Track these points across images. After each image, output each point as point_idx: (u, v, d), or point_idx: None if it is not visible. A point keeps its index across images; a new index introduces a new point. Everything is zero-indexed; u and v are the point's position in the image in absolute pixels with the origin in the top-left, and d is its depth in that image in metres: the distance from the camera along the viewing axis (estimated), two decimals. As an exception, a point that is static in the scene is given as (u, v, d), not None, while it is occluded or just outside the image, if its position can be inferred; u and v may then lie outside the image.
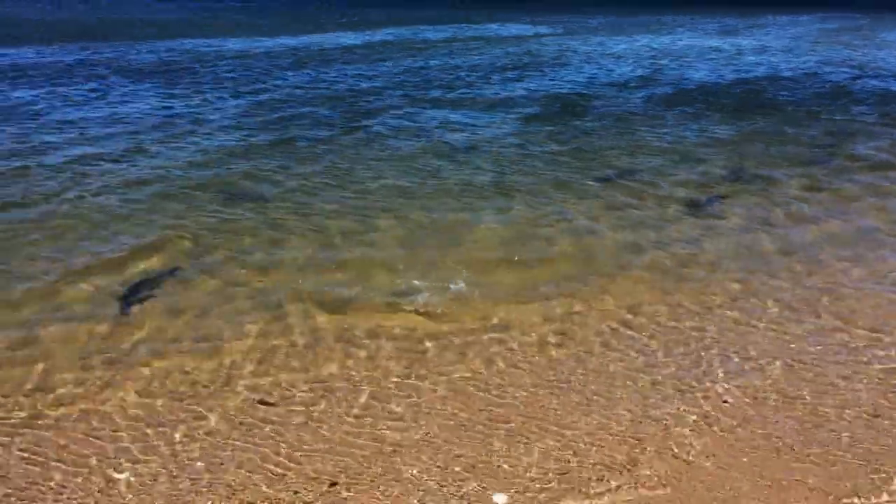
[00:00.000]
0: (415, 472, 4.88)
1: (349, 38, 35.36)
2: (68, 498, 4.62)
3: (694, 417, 5.49)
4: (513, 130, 14.90)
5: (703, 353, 6.36)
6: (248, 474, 4.84)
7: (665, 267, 8.17)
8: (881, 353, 6.42)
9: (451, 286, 7.45)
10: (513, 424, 5.37)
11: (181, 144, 13.31)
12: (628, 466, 4.93)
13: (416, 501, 4.63)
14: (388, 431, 5.30)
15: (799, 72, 24.71)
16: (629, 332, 6.73)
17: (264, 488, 4.72)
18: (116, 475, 4.82)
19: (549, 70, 24.61)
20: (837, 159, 12.64)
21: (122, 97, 18.11)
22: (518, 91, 20.11)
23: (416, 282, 7.59)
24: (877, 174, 11.76)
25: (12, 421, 5.36)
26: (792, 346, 6.52)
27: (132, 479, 4.79)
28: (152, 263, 8.08)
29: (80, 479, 4.78)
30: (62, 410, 5.49)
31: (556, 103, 18.20)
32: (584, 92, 19.96)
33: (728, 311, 7.15)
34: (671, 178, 11.45)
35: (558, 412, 5.52)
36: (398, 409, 5.56)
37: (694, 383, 5.93)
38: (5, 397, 5.65)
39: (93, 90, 19.09)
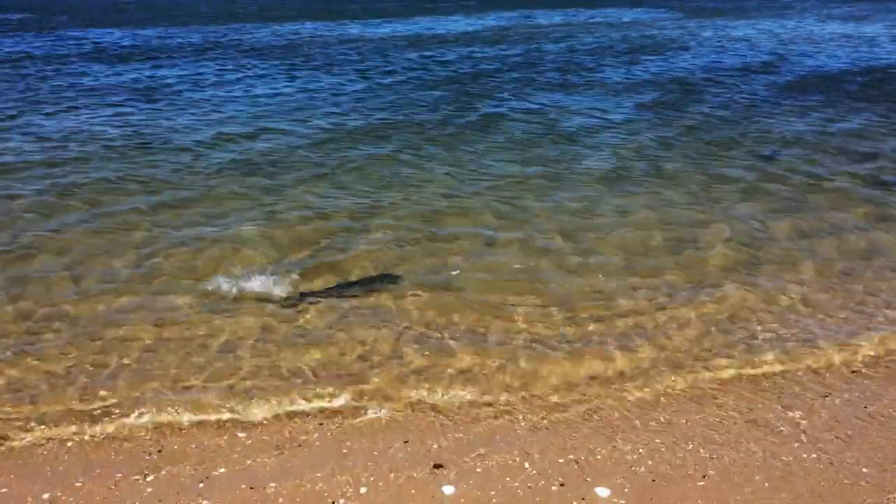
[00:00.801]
0: None
1: (463, 23, 35.38)
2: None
3: None
4: (633, 116, 14.49)
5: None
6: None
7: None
8: None
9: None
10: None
11: (299, 126, 13.65)
12: None
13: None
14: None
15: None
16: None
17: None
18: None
19: (668, 54, 23.76)
20: None
21: (245, 79, 18.80)
22: (637, 75, 19.55)
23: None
24: None
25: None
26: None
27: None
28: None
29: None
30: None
31: (676, 88, 17.57)
32: (706, 76, 19.15)
33: None
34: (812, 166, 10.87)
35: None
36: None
37: None
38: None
39: (220, 70, 19.93)
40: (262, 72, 19.88)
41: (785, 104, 15.70)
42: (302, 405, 5.30)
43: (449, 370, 5.71)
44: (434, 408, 5.27)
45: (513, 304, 6.74)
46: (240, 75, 19.33)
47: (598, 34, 30.78)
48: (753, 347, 6.05)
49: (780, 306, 6.75)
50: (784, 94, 16.79)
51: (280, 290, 6.91)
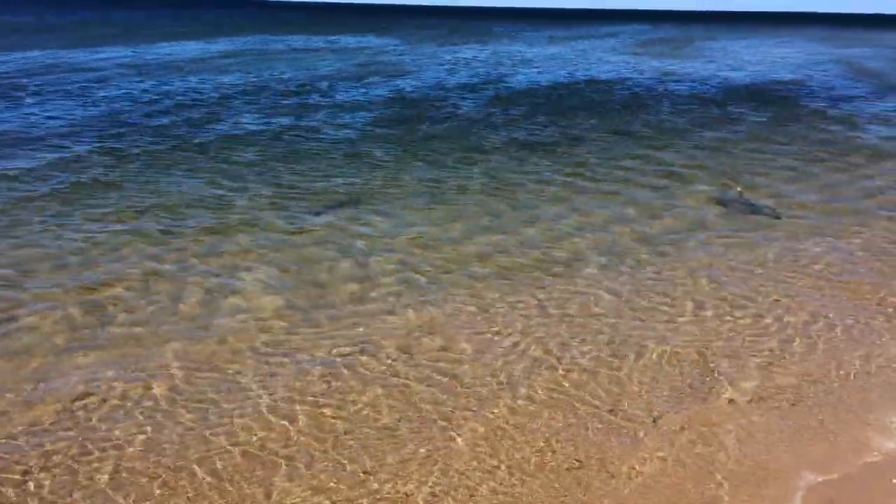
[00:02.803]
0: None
1: (191, 49, 34.33)
2: None
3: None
4: (359, 133, 15.28)
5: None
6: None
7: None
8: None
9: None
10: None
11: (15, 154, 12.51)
12: None
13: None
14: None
15: (612, 76, 26.95)
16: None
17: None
18: None
19: (396, 77, 25.30)
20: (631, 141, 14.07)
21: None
22: (368, 96, 20.62)
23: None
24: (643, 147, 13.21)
25: None
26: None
27: None
28: None
29: None
30: None
31: (400, 107, 18.85)
32: (424, 97, 20.72)
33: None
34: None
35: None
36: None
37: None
38: None
39: None
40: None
41: (495, 117, 17.57)
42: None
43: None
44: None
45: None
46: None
47: (331, 59, 31.74)
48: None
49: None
50: (487, 108, 18.73)
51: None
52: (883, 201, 10.72)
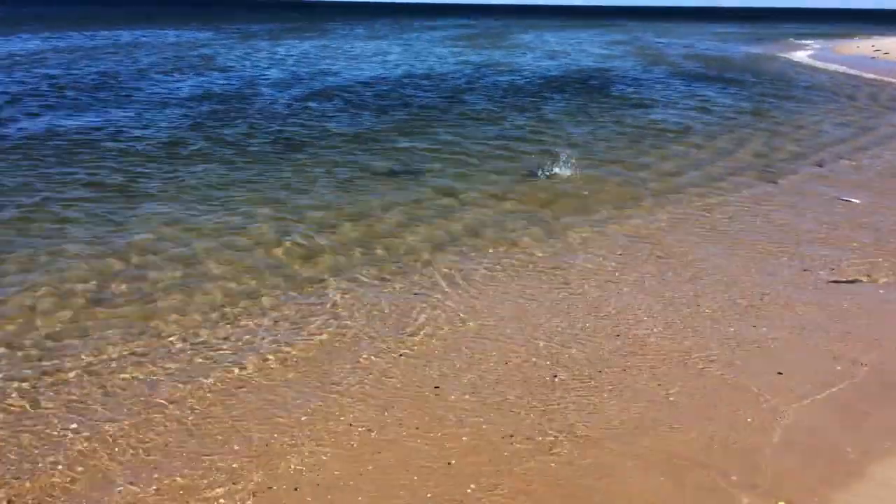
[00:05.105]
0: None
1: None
2: None
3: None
4: (165, 126, 14.27)
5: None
6: None
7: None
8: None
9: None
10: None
11: None
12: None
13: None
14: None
15: (434, 70, 27.26)
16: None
17: None
18: None
19: (207, 72, 24.05)
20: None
21: None
22: (183, 90, 19.39)
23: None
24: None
25: None
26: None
27: None
28: None
29: None
30: None
31: (214, 101, 17.89)
32: (240, 92, 19.82)
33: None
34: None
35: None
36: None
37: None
38: None
39: None
40: None
41: (302, 111, 16.99)
42: None
43: None
44: None
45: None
46: None
47: (145, 52, 29.73)
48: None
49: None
50: (304, 103, 18.16)
51: None
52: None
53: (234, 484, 4.00)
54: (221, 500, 3.89)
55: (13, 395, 4.90)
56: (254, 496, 3.91)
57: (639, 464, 4.20)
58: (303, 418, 4.65)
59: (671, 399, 4.88)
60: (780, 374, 5.22)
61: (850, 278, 7.11)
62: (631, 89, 22.21)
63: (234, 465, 4.16)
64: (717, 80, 25.37)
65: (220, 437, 4.44)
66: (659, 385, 5.06)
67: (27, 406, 4.79)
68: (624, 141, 14.02)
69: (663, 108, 18.22)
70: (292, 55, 31.85)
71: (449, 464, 4.20)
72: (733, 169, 11.82)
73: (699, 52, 40.16)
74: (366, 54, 33.64)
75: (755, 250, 7.90)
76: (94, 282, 6.77)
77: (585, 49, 40.66)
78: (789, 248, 7.97)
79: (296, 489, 3.98)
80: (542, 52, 37.69)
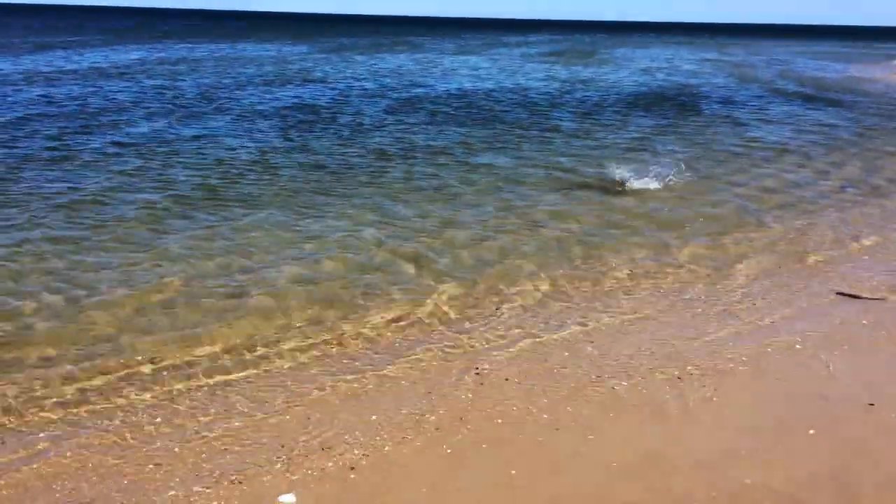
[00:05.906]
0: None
1: (94, 58, 32.77)
2: None
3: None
4: (263, 136, 14.80)
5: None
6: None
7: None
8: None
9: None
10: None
11: None
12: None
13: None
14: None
15: (518, 85, 27.21)
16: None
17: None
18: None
19: (301, 84, 24.85)
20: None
21: None
22: (272, 103, 20.11)
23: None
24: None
25: None
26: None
27: None
28: None
29: None
30: None
31: (308, 113, 18.44)
32: (333, 103, 20.34)
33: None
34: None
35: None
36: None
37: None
38: None
39: None
40: None
41: (390, 123, 17.19)
42: None
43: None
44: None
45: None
46: None
47: (241, 67, 30.92)
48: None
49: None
50: (391, 115, 18.43)
51: None
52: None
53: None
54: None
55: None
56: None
57: None
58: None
59: None
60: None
61: None
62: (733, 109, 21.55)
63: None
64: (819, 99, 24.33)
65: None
66: None
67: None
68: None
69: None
70: (387, 67, 32.51)
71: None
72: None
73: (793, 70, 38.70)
74: (450, 68, 34.00)
75: None
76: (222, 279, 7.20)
77: (676, 65, 39.84)
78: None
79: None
80: (631, 69, 37.14)
